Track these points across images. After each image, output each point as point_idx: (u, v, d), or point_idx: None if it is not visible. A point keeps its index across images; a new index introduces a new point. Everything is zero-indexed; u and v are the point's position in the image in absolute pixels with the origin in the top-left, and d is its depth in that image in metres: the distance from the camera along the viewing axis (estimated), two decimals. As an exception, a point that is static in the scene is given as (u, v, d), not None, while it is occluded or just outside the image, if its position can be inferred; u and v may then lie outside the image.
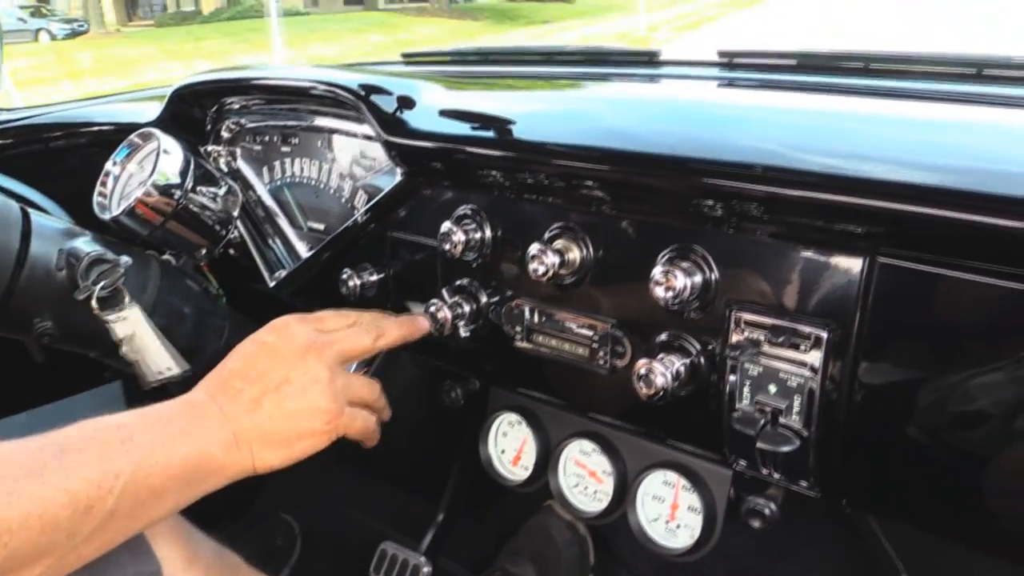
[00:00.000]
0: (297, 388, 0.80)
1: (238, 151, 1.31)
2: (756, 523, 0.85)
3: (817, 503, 0.85)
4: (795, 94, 0.90)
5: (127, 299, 1.03)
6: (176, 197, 1.11)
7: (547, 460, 1.03)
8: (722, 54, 1.03)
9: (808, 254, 0.72)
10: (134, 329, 1.03)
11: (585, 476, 1.00)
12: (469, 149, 0.93)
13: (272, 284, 1.23)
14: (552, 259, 0.84)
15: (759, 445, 0.75)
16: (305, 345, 0.83)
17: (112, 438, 0.68)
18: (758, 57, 1.01)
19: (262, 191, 1.30)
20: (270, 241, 1.29)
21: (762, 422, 0.75)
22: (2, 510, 0.59)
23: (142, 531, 0.76)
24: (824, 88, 0.90)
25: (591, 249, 0.86)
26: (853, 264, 0.70)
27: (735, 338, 0.76)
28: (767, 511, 0.85)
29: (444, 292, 0.98)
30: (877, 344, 0.70)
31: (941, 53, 0.87)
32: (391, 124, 0.99)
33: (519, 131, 0.91)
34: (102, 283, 1.01)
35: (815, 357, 0.72)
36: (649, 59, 1.11)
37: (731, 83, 1.02)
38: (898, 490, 0.75)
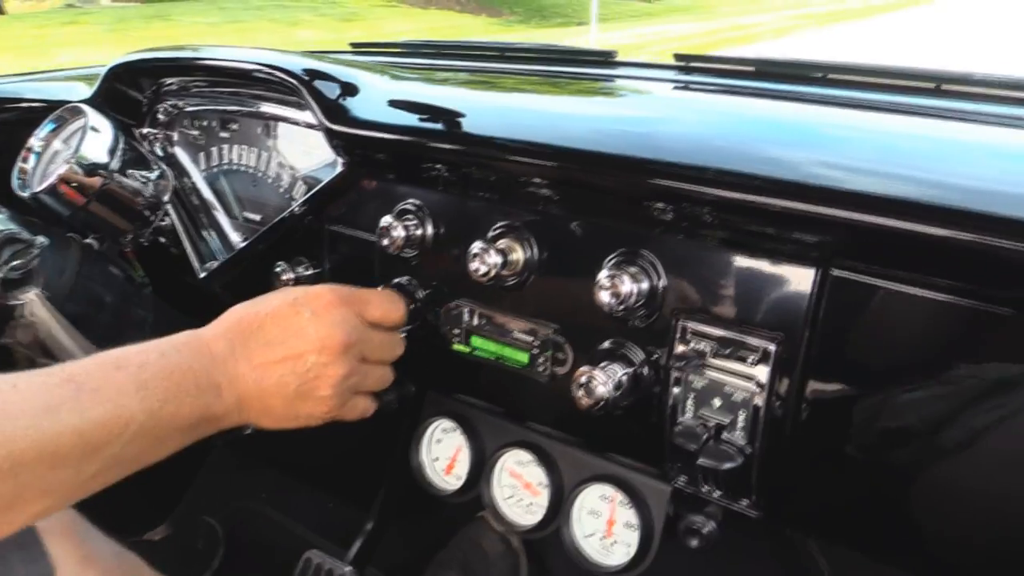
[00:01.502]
0: (312, 374, 0.78)
1: (175, 135, 1.25)
2: (694, 542, 0.81)
3: (756, 523, 0.82)
4: (752, 99, 0.87)
5: (39, 283, 0.97)
6: (102, 177, 1.05)
7: (481, 469, 0.98)
8: (679, 57, 1.00)
9: (760, 264, 0.70)
10: (39, 315, 0.96)
11: (520, 487, 0.96)
12: (414, 140, 0.88)
13: (202, 275, 1.17)
14: (495, 259, 0.80)
15: (701, 461, 0.71)
16: (342, 341, 0.79)
17: (129, 382, 0.67)
18: (716, 62, 0.99)
19: (197, 178, 1.24)
20: (203, 231, 1.23)
21: (705, 437, 0.72)
22: (18, 443, 0.59)
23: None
24: (782, 95, 0.87)
25: (535, 250, 0.82)
26: (805, 276, 0.67)
27: (680, 348, 0.73)
28: (706, 530, 0.81)
29: (381, 289, 0.93)
30: (826, 359, 0.67)
31: (900, 66, 0.85)
32: (334, 111, 0.94)
33: (467, 125, 0.87)
34: (12, 264, 0.94)
35: (762, 371, 0.69)
36: (604, 60, 1.08)
37: (687, 86, 0.99)
38: (842, 513, 0.72)
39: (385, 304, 0.86)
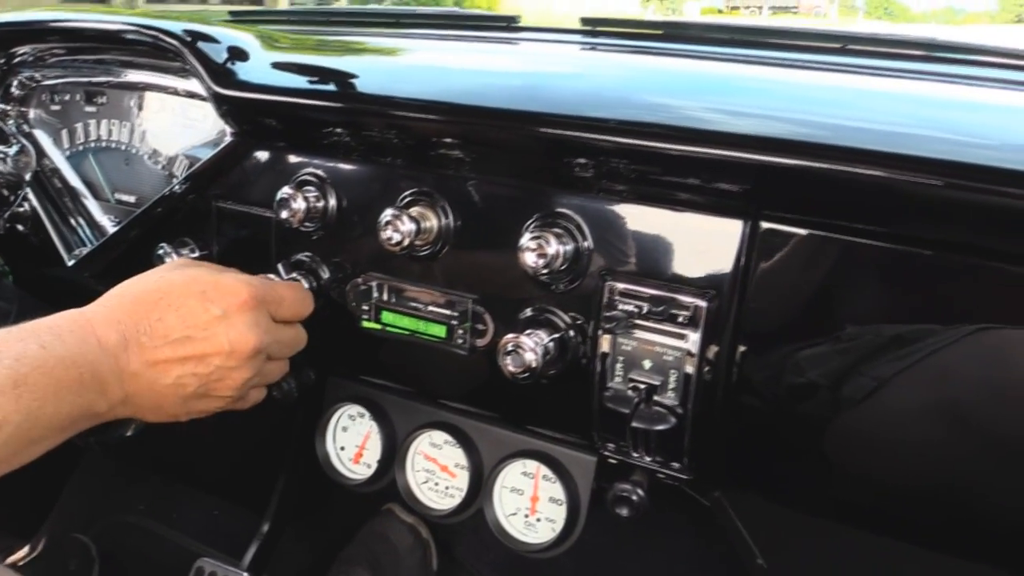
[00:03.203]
0: (214, 377, 0.71)
1: (31, 112, 1.13)
2: (624, 511, 0.79)
3: (677, 492, 0.81)
4: (660, 58, 0.86)
5: None
6: (-51, 154, 0.93)
7: (393, 455, 0.93)
8: (585, 21, 0.99)
9: (687, 219, 0.68)
10: None
11: (436, 471, 0.92)
12: (309, 102, 0.82)
13: (71, 264, 1.06)
14: (408, 226, 0.76)
15: (634, 424, 0.69)
16: (254, 346, 0.72)
17: (5, 378, 0.59)
18: (623, 26, 0.97)
19: (59, 158, 1.12)
20: (69, 216, 1.11)
21: (636, 400, 0.70)
22: None
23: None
24: (690, 55, 0.87)
25: (450, 217, 0.78)
26: (734, 228, 0.66)
27: (608, 311, 0.71)
28: (634, 497, 0.79)
29: (280, 268, 0.87)
30: (758, 314, 0.67)
31: (808, 28, 0.86)
32: (222, 75, 0.86)
33: (364, 84, 0.82)
34: None
35: (693, 329, 0.68)
36: (507, 24, 1.05)
37: (594, 48, 0.97)
38: (771, 468, 0.72)
39: (297, 301, 0.80)
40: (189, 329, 0.70)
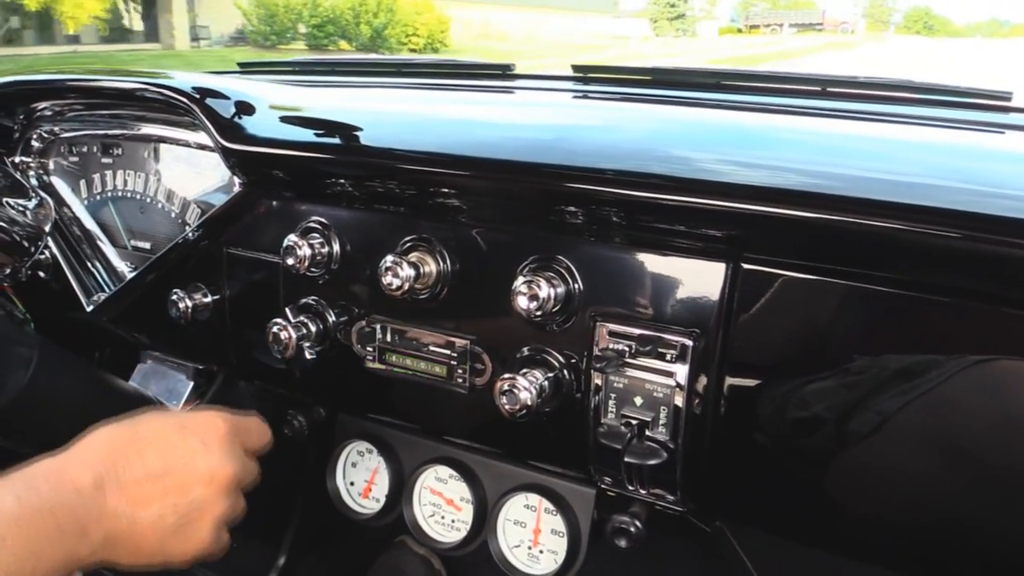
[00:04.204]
0: (193, 509, 0.69)
1: (51, 164, 1.18)
2: (622, 542, 0.82)
3: (679, 521, 0.83)
4: (650, 106, 0.90)
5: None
6: (-27, 209, 0.98)
7: (401, 490, 0.96)
8: (576, 68, 1.02)
9: (672, 262, 0.71)
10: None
11: (442, 504, 0.95)
12: (314, 156, 0.86)
13: (90, 309, 1.10)
14: (407, 271, 0.79)
15: (626, 459, 0.72)
16: (232, 475, 0.72)
17: None
18: (613, 72, 1.01)
19: (78, 207, 1.17)
20: (87, 262, 1.16)
21: (628, 436, 0.73)
22: None
23: None
24: (677, 101, 0.90)
25: (448, 262, 0.81)
26: (716, 270, 0.69)
27: (599, 350, 0.74)
28: (632, 529, 0.82)
29: (287, 311, 0.90)
30: (742, 351, 0.69)
31: (789, 72, 0.89)
32: (229, 130, 0.91)
33: (367, 138, 0.86)
34: None
35: (680, 366, 0.70)
36: (503, 72, 1.09)
37: (586, 95, 1.01)
38: (765, 500, 0.74)
39: (262, 432, 0.80)
40: (169, 463, 0.69)
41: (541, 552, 0.88)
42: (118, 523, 0.65)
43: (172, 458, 0.69)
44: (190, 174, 1.05)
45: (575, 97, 0.99)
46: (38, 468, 0.64)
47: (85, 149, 1.15)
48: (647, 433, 0.73)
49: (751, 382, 0.70)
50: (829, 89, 0.88)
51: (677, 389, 0.71)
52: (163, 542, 0.68)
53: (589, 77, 1.03)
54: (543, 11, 36.40)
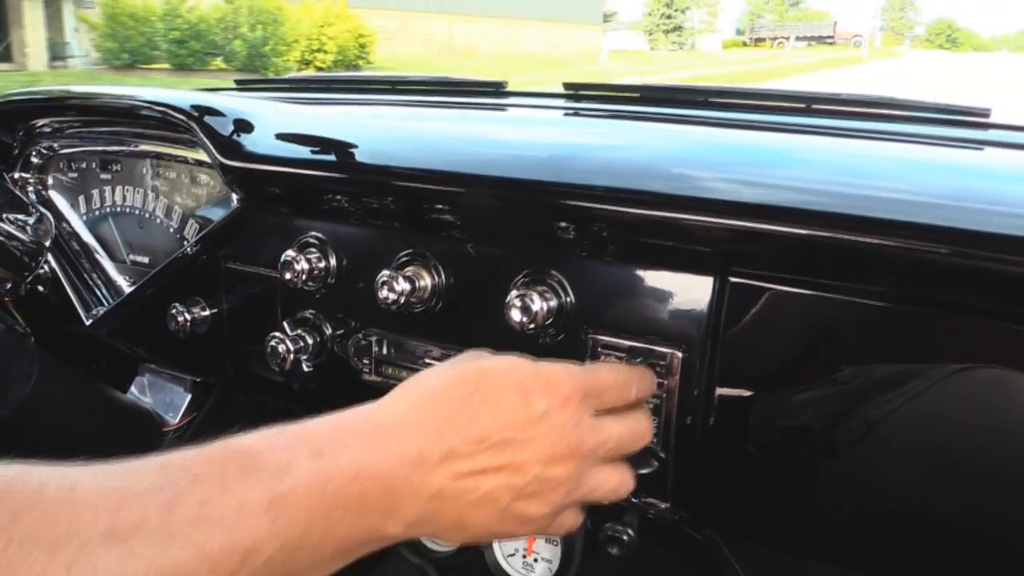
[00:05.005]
0: (531, 488, 0.56)
1: (50, 179, 1.20)
2: (615, 550, 0.83)
3: (671, 529, 0.85)
4: (639, 123, 0.92)
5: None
6: (-26, 225, 0.99)
7: (397, 500, 0.97)
8: (567, 86, 1.04)
9: (661, 276, 0.73)
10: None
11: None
12: (310, 172, 0.88)
13: (89, 323, 1.12)
14: (403, 285, 0.81)
15: (618, 468, 0.74)
16: (574, 445, 0.57)
17: (260, 496, 0.46)
18: (603, 89, 1.03)
19: (77, 222, 1.19)
20: (87, 277, 1.18)
21: (620, 446, 0.74)
22: None
23: None
24: (666, 118, 0.92)
25: (443, 276, 0.83)
26: (705, 284, 0.71)
27: (592, 362, 0.75)
28: (625, 537, 0.83)
29: (285, 325, 0.92)
30: (731, 362, 0.71)
31: (775, 89, 0.91)
32: (227, 147, 0.93)
33: (362, 154, 0.87)
34: None
35: (670, 378, 0.72)
36: (495, 89, 1.11)
37: (577, 112, 1.03)
38: (755, 509, 0.76)
39: (618, 387, 0.63)
40: (507, 430, 0.55)
41: (535, 560, 0.90)
42: (442, 501, 0.53)
43: (511, 425, 0.55)
44: (188, 189, 1.07)
45: (566, 114, 1.02)
46: (347, 420, 0.54)
47: (84, 165, 1.17)
48: (638, 443, 0.74)
49: (740, 393, 0.72)
50: (813, 106, 0.91)
51: (667, 400, 0.73)
52: (491, 523, 0.57)
53: (580, 94, 1.05)
54: (522, 23, 31.50)
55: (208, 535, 0.42)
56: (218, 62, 15.90)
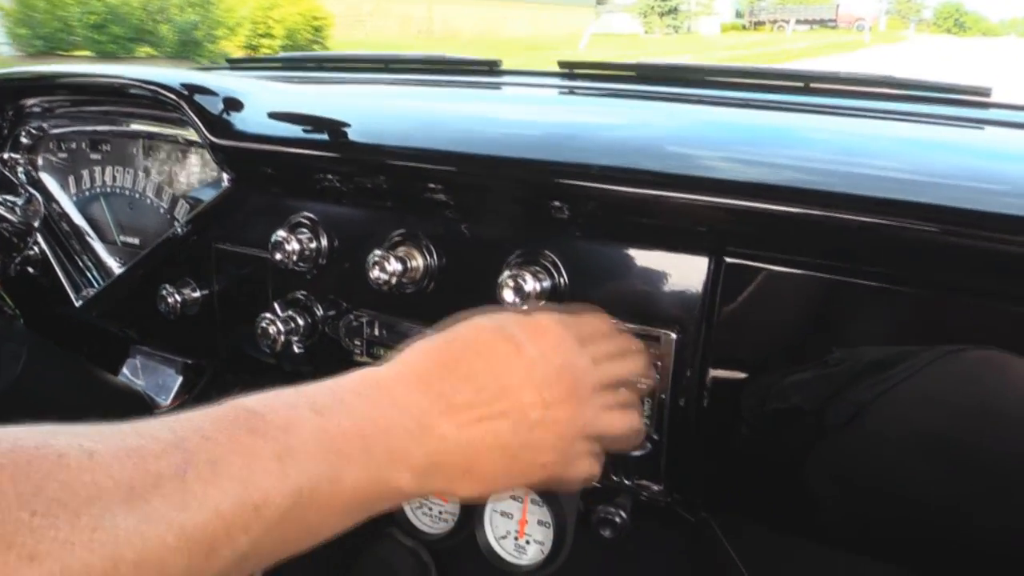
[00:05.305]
0: (535, 432, 0.58)
1: (39, 160, 1.19)
2: (607, 532, 0.83)
3: (664, 511, 0.84)
4: (635, 101, 0.91)
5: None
6: (-38, 205, 0.98)
7: (389, 483, 0.97)
8: (563, 64, 1.03)
9: (656, 256, 0.72)
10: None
11: (429, 496, 0.95)
12: (302, 152, 0.87)
13: (79, 305, 1.11)
14: (395, 266, 0.80)
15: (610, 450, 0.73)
16: (571, 382, 0.60)
17: (270, 452, 0.46)
18: (598, 68, 1.02)
19: (67, 203, 1.18)
20: (76, 258, 1.17)
21: (613, 427, 0.74)
22: (79, 552, 0.37)
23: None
24: (662, 97, 0.91)
25: (435, 256, 0.82)
26: (700, 264, 0.70)
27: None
28: (617, 519, 0.83)
29: (276, 306, 0.91)
30: (725, 343, 0.70)
31: (773, 67, 0.90)
32: (217, 126, 0.91)
33: (354, 133, 0.86)
34: None
35: (664, 359, 0.71)
36: (490, 68, 1.10)
37: (572, 91, 1.02)
38: (747, 490, 0.75)
39: (609, 329, 0.68)
40: (503, 377, 0.57)
41: (527, 543, 0.89)
42: (446, 446, 0.54)
43: (501, 369, 0.57)
44: (179, 169, 1.06)
45: (561, 93, 1.00)
46: (348, 379, 0.55)
47: (74, 145, 1.16)
48: (632, 425, 0.74)
49: (734, 374, 0.71)
50: (812, 85, 0.89)
51: (661, 381, 0.72)
52: (503, 470, 0.58)
53: (575, 73, 1.04)
54: (507, 5, 28.36)
55: (222, 492, 0.43)
56: (146, 48, 13.96)
